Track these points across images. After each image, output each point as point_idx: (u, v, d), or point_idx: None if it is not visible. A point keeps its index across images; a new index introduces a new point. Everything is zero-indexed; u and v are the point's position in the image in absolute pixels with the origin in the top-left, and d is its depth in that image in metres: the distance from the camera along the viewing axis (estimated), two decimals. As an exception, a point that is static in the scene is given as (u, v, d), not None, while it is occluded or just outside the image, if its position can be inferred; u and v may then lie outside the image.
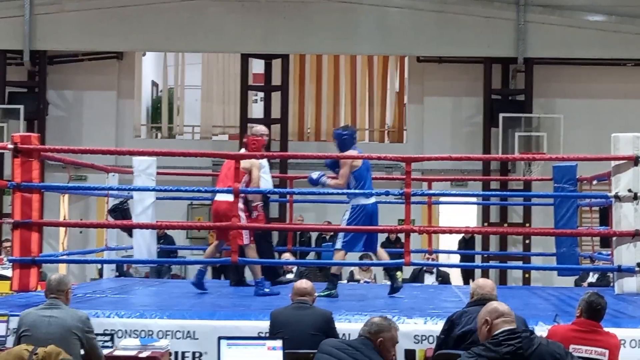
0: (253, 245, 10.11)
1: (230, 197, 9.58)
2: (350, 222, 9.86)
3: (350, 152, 9.91)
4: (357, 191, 9.80)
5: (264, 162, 10.82)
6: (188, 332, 7.79)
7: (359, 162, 9.87)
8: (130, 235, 11.45)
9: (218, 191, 10.12)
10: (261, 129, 11.23)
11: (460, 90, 19.37)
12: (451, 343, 6.70)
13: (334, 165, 10.21)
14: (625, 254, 9.64)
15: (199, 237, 19.29)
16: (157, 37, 18.94)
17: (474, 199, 17.81)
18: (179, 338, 7.77)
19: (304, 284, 7.66)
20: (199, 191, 11.44)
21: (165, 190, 11.72)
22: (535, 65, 18.76)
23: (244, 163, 9.99)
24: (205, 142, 20.81)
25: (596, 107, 18.86)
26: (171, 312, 8.08)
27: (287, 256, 14.50)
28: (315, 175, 10.07)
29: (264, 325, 7.54)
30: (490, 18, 18.39)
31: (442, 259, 17.24)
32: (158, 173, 11.57)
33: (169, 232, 16.95)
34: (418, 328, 7.79)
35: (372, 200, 9.89)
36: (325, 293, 9.58)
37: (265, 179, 10.72)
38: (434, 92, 19.59)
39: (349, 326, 7.69)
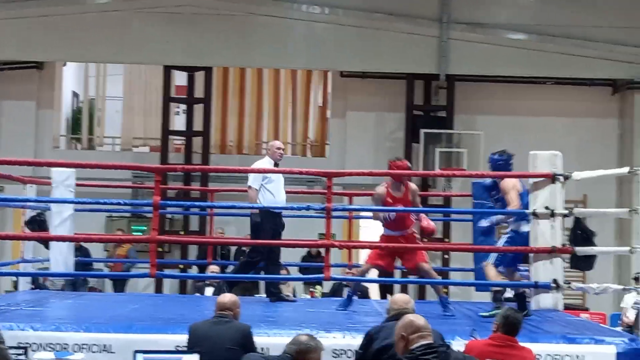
0: None
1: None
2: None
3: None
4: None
5: (275, 175, 10.66)
6: (104, 345, 7.67)
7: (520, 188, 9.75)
8: (47, 247, 11.28)
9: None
10: (275, 143, 11.14)
11: (383, 105, 19.46)
12: (369, 358, 6.70)
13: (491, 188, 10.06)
14: (542, 271, 9.76)
15: (118, 250, 19.05)
16: (78, 47, 18.72)
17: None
18: (95, 352, 7.65)
19: (225, 297, 7.60)
20: (118, 203, 11.32)
21: (84, 203, 11.57)
22: (457, 82, 18.95)
23: None
24: (126, 154, 20.62)
25: (516, 125, 19.09)
26: (87, 325, 7.95)
27: (213, 269, 14.41)
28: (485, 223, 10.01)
29: (182, 338, 7.46)
30: (413, 34, 18.53)
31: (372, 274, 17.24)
32: (77, 185, 11.42)
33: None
34: (337, 342, 7.78)
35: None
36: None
37: (269, 191, 10.60)
38: (357, 107, 19.65)
39: (267, 340, 7.66)
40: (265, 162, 10.90)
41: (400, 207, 9.79)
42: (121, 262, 17.14)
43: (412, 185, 9.97)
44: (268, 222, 10.68)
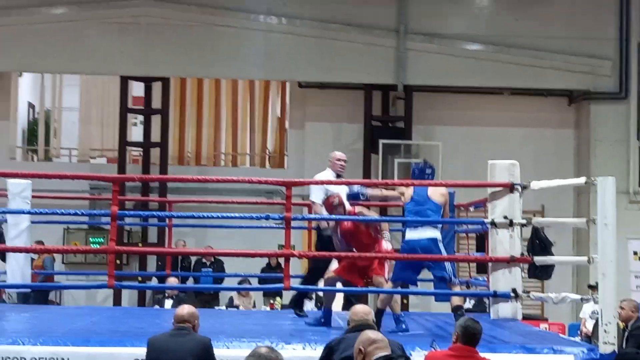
0: None
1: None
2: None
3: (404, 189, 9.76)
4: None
5: (337, 187, 10.33)
6: (62, 359, 7.61)
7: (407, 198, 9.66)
8: (4, 259, 11.16)
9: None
10: (336, 154, 10.90)
11: (341, 116, 19.47)
12: (330, 369, 6.69)
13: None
14: (501, 280, 9.79)
15: (75, 262, 18.89)
16: (34, 57, 18.54)
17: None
18: (53, 365, 7.59)
19: (184, 310, 7.55)
20: (75, 214, 11.21)
21: (40, 214, 11.44)
22: (415, 92, 18.99)
23: None
24: (83, 165, 20.46)
25: (474, 135, 19.17)
26: (45, 339, 7.89)
27: (171, 280, 14.36)
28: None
29: (141, 351, 7.41)
30: (371, 45, 18.55)
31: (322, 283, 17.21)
32: (33, 196, 11.31)
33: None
34: (297, 354, 7.77)
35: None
36: None
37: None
38: (315, 118, 19.65)
39: (227, 352, 7.63)
40: (327, 174, 10.67)
41: (359, 215, 9.75)
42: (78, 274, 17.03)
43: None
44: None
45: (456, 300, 9.60)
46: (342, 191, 10.26)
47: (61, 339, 7.92)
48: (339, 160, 10.70)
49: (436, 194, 9.61)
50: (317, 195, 10.46)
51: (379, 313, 9.46)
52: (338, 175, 10.64)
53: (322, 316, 10.12)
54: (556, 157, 19.14)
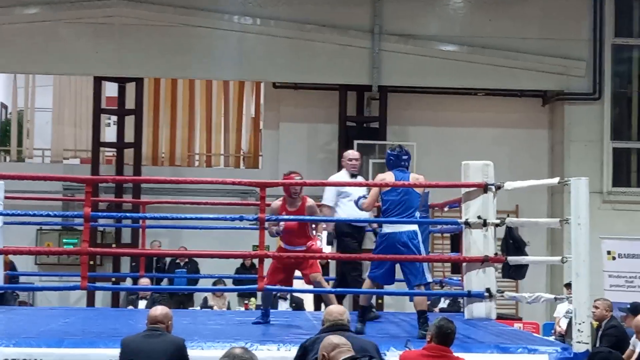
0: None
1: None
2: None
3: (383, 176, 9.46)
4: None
5: (351, 188, 10.18)
6: (35, 360, 7.56)
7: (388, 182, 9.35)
8: (-25, 261, 11.08)
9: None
10: (348, 153, 10.70)
11: (316, 116, 19.47)
12: (304, 370, 6.68)
13: None
14: (475, 280, 9.83)
15: (48, 263, 18.79)
16: (6, 57, 18.42)
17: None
18: (25, 367, 7.54)
19: (157, 310, 7.53)
20: (48, 215, 11.14)
21: (13, 215, 11.37)
22: (390, 93, 19.00)
23: None
24: (56, 166, 20.34)
25: (448, 135, 19.22)
26: (17, 340, 7.83)
27: (143, 281, 14.31)
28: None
29: (114, 353, 7.37)
30: (346, 46, 18.55)
31: (297, 284, 17.21)
32: (6, 197, 11.24)
33: (16, 257, 16.46)
34: (272, 355, 7.76)
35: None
36: None
37: (340, 207, 10.31)
38: (290, 119, 19.64)
39: (201, 353, 7.60)
40: (342, 175, 10.54)
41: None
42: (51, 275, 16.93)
43: (310, 201, 9.69)
44: (354, 235, 10.48)
45: (421, 305, 9.30)
46: (356, 192, 10.09)
47: (34, 340, 7.88)
48: (350, 160, 10.55)
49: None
50: (328, 197, 10.41)
51: (363, 310, 9.41)
52: (352, 175, 10.54)
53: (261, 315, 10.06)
54: (530, 157, 19.20)
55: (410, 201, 9.27)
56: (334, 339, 5.78)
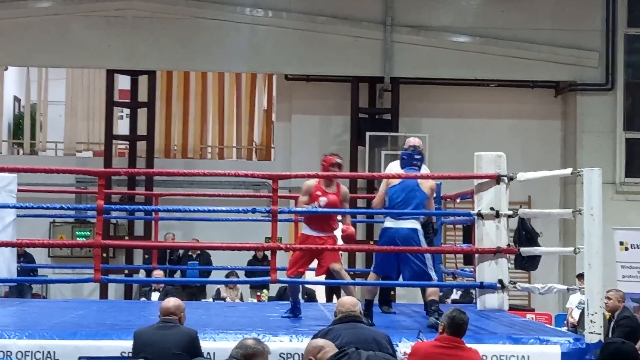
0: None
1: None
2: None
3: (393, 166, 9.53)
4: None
5: (397, 180, 9.79)
6: (48, 352, 7.60)
7: (393, 181, 9.40)
8: (-11, 253, 11.10)
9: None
10: (408, 141, 10.35)
11: (328, 108, 19.46)
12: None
13: None
14: (487, 271, 9.81)
15: (61, 256, 18.85)
16: (19, 51, 18.49)
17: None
18: (39, 359, 7.58)
19: (170, 302, 7.55)
20: (61, 208, 11.16)
21: (26, 208, 11.40)
22: (402, 84, 18.97)
23: None
24: (69, 159, 20.38)
25: (460, 127, 19.20)
26: (31, 332, 7.87)
27: (157, 274, 14.35)
28: None
29: (127, 344, 7.40)
30: (358, 37, 18.55)
31: (309, 276, 17.22)
32: (19, 190, 11.27)
33: (30, 250, 16.55)
34: (284, 346, 7.77)
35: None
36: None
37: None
38: (302, 111, 19.64)
39: (214, 345, 7.62)
40: (398, 164, 10.27)
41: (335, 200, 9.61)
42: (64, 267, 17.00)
43: (344, 188, 9.66)
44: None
45: (432, 294, 9.33)
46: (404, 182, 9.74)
47: (48, 333, 7.90)
48: (409, 147, 10.12)
49: (425, 184, 9.45)
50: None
51: (368, 304, 9.41)
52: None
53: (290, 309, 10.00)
54: (543, 148, 19.17)
55: (413, 199, 9.30)
56: (320, 342, 5.92)
